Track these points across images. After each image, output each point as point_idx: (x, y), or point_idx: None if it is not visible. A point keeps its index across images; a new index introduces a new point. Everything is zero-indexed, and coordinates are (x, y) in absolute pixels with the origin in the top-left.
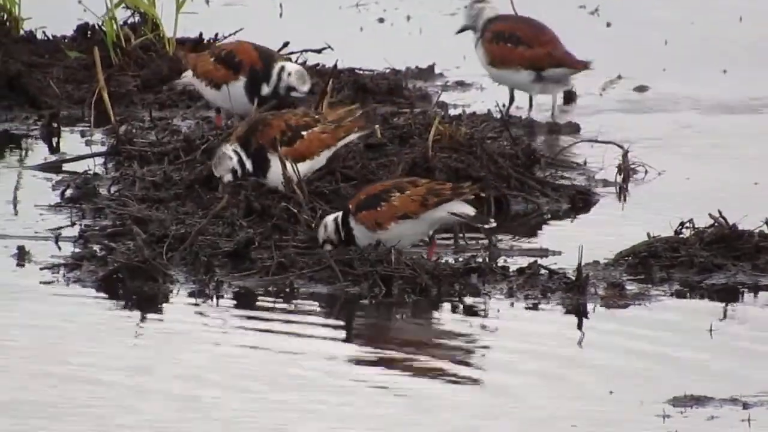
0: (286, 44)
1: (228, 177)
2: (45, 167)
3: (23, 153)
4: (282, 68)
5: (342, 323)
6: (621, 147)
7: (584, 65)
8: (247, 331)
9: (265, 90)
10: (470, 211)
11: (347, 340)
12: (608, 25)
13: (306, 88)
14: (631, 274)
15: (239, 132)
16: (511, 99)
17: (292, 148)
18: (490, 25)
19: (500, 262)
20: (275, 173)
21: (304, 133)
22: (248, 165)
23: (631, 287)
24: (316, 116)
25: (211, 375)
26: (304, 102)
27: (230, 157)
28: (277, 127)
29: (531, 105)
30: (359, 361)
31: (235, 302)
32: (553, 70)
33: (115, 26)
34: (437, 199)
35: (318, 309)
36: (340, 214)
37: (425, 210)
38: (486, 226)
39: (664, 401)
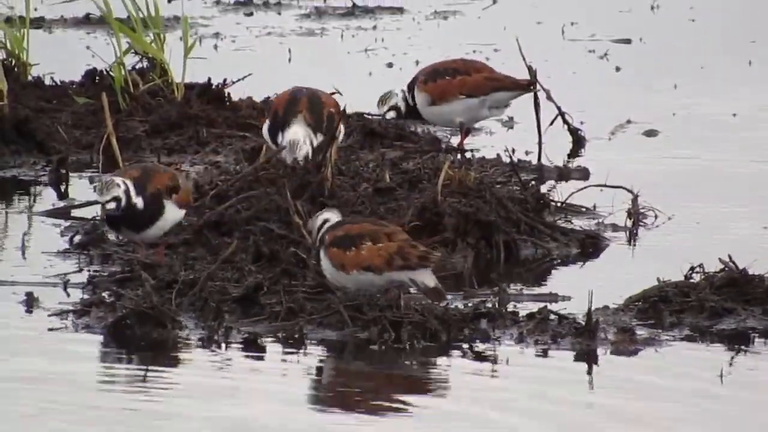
0: None
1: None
2: (53, 213)
3: (32, 199)
4: (288, 129)
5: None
6: (630, 191)
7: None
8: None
9: (279, 138)
10: (431, 282)
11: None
12: (617, 69)
13: (296, 155)
14: (642, 319)
15: None
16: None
17: None
18: (419, 75)
19: (510, 307)
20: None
21: None
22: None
23: (642, 332)
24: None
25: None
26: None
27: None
28: None
29: (540, 150)
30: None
31: (243, 348)
32: (497, 94)
33: (123, 71)
34: (402, 263)
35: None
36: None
37: (389, 269)
38: (440, 304)
39: None
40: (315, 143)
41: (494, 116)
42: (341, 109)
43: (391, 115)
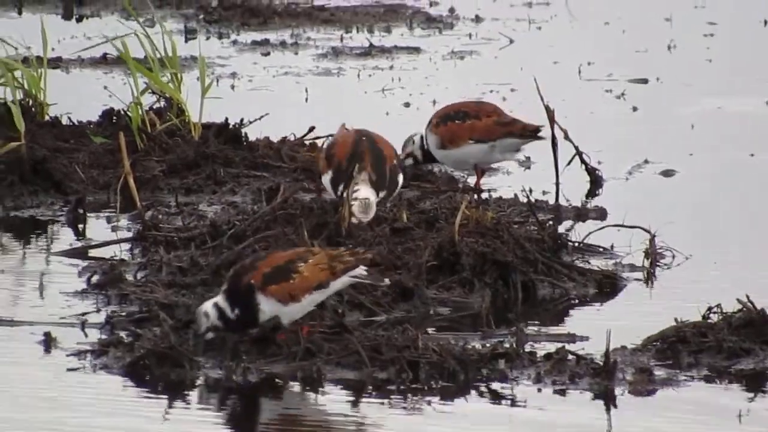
0: (311, 129)
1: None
2: (71, 253)
3: (49, 239)
4: (356, 191)
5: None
6: (648, 231)
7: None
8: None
9: (341, 189)
10: (365, 272)
11: None
12: (635, 109)
13: (365, 218)
14: (660, 360)
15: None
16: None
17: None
18: (432, 118)
19: (527, 347)
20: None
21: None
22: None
23: (660, 372)
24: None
25: None
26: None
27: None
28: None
29: (557, 190)
30: None
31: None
32: (506, 140)
33: (140, 111)
34: (343, 266)
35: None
36: (220, 297)
37: (334, 278)
38: (381, 284)
39: None
40: (377, 199)
41: (508, 159)
42: (399, 157)
43: (409, 162)
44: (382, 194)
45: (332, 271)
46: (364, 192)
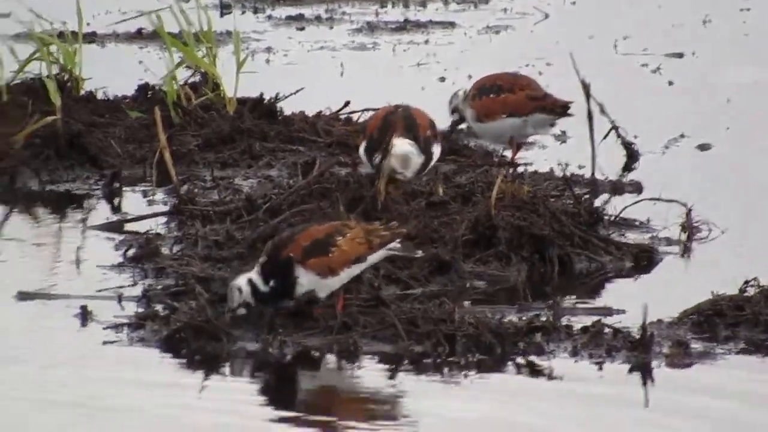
0: (347, 103)
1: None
2: (107, 227)
3: (85, 213)
4: (392, 147)
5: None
6: (684, 205)
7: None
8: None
9: (377, 159)
10: (398, 245)
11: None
12: (670, 83)
13: (407, 171)
14: (696, 333)
15: None
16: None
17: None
18: (470, 89)
19: (564, 320)
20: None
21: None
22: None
23: (696, 346)
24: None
25: None
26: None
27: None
28: None
29: (594, 163)
30: None
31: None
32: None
33: (175, 86)
34: (380, 240)
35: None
36: (254, 272)
37: (372, 252)
38: (415, 256)
39: None
40: (417, 158)
41: (541, 134)
42: (436, 129)
43: (455, 117)
44: (420, 159)
45: (369, 245)
46: (400, 146)
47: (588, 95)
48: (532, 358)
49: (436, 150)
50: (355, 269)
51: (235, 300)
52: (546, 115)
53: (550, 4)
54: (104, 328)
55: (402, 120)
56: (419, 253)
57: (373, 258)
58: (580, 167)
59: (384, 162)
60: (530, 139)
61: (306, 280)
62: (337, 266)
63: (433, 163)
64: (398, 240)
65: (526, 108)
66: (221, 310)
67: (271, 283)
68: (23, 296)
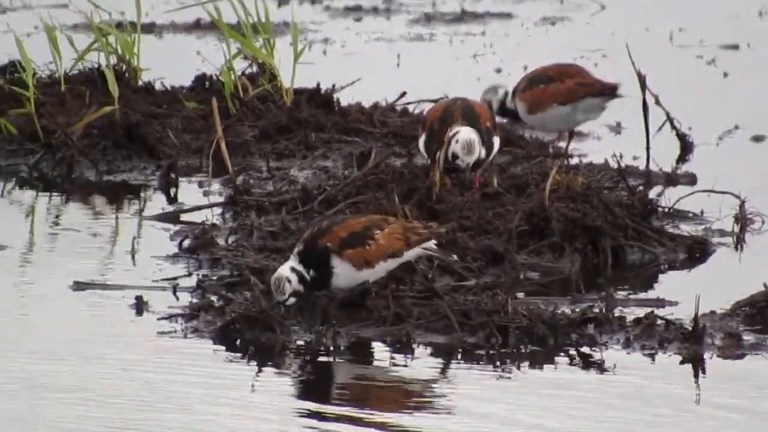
0: (403, 94)
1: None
2: (163, 218)
3: (141, 203)
4: (456, 133)
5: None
6: (738, 197)
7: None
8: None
9: (436, 149)
10: (434, 246)
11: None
12: (725, 75)
13: (469, 159)
14: (749, 325)
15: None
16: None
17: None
18: (519, 83)
19: (617, 312)
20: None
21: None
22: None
23: (748, 337)
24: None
25: None
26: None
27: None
28: None
29: (648, 155)
30: None
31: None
32: (588, 100)
33: (232, 76)
34: (417, 237)
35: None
36: (294, 261)
37: (408, 248)
38: (451, 259)
39: None
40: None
41: (592, 119)
42: (495, 120)
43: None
44: (483, 151)
45: (407, 241)
46: (464, 133)
47: (643, 87)
48: (585, 349)
49: (496, 141)
50: (391, 264)
51: (287, 290)
52: (595, 99)
53: None
54: (159, 319)
55: (461, 111)
56: (454, 257)
57: (409, 254)
58: (635, 158)
59: (441, 152)
60: (585, 130)
61: (341, 271)
62: (374, 259)
63: (493, 154)
64: (434, 241)
65: (575, 95)
66: (273, 302)
67: (310, 272)
68: (79, 286)
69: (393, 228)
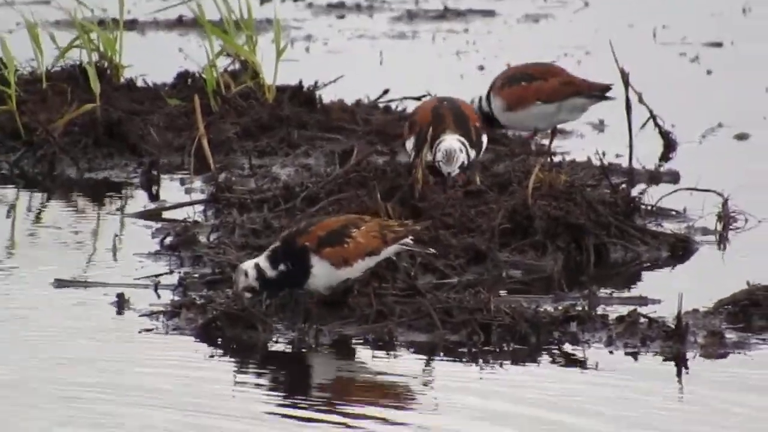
0: (386, 91)
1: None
2: (144, 215)
3: (123, 201)
4: (441, 141)
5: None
6: (721, 195)
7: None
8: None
9: (429, 156)
10: (411, 242)
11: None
12: (709, 72)
13: (449, 168)
14: (731, 323)
15: None
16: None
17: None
18: (496, 80)
19: (599, 310)
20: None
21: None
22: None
23: (731, 336)
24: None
25: None
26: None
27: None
28: None
29: (631, 153)
30: None
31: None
32: (573, 100)
33: (215, 74)
34: (394, 235)
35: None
36: (262, 258)
37: (385, 246)
38: (428, 252)
39: None
40: (471, 155)
41: (573, 119)
42: (481, 118)
43: None
44: (472, 153)
45: (384, 239)
46: (448, 141)
47: (627, 84)
48: (567, 347)
49: (484, 140)
50: (369, 262)
51: (240, 283)
52: (583, 99)
53: None
54: (140, 316)
55: (451, 112)
56: (431, 251)
57: (387, 252)
58: (618, 156)
59: (424, 149)
60: (568, 128)
61: (320, 270)
62: (352, 257)
63: (482, 153)
64: (411, 237)
65: (560, 94)
66: (260, 298)
67: (281, 267)
68: (60, 284)
69: (370, 226)
